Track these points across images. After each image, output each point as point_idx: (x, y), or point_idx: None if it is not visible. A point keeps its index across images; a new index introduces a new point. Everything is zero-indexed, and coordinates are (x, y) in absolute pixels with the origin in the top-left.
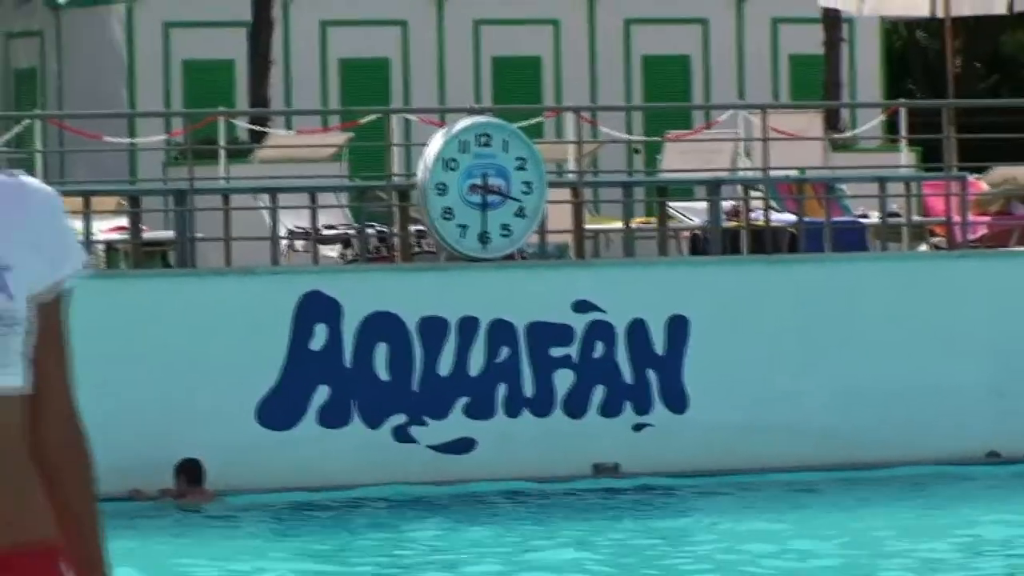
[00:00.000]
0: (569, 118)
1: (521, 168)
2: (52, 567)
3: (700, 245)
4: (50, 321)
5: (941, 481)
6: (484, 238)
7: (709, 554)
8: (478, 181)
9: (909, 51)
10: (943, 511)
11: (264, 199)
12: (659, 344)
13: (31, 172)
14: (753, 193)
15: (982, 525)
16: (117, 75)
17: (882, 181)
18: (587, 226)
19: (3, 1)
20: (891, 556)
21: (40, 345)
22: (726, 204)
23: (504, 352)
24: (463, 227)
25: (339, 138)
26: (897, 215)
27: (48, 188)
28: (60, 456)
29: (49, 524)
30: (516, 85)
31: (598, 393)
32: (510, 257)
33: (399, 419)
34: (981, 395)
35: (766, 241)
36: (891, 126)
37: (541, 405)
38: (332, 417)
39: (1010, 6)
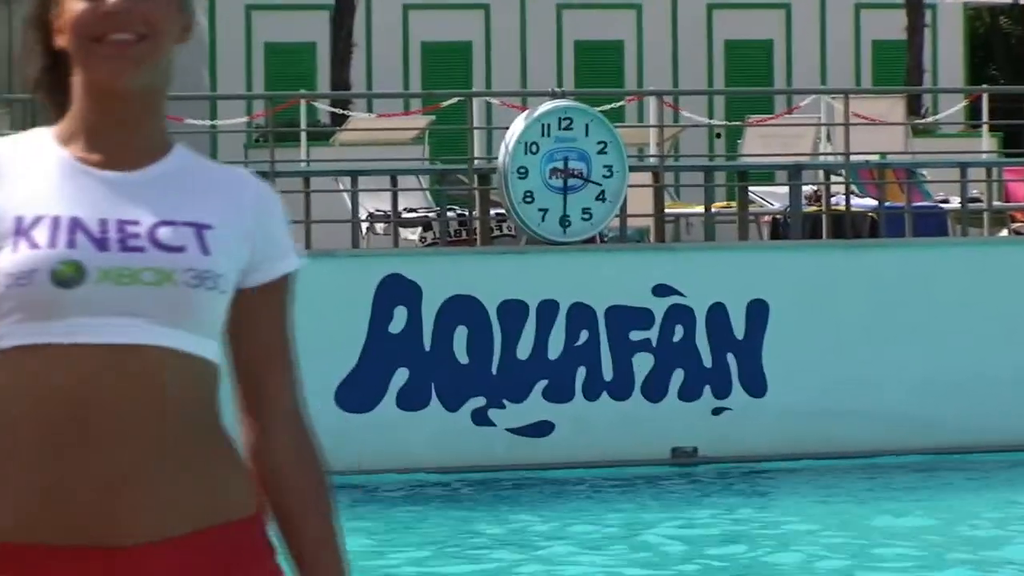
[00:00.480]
0: (651, 102)
1: (602, 152)
2: (255, 539)
3: (780, 230)
4: (266, 314)
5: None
6: (564, 222)
7: (789, 537)
8: (559, 165)
9: (992, 36)
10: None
11: (345, 182)
12: (739, 328)
13: None
14: (834, 178)
15: None
16: (199, 58)
17: (963, 167)
18: (668, 210)
19: None
20: (968, 541)
21: (255, 338)
22: (807, 189)
23: (583, 336)
24: (544, 211)
25: (420, 121)
26: (978, 200)
27: (265, 185)
28: (280, 458)
29: (249, 501)
30: (598, 69)
31: (677, 377)
32: (591, 241)
33: (478, 402)
34: None
35: (846, 226)
36: (973, 112)
37: (620, 389)
38: (411, 400)
39: None
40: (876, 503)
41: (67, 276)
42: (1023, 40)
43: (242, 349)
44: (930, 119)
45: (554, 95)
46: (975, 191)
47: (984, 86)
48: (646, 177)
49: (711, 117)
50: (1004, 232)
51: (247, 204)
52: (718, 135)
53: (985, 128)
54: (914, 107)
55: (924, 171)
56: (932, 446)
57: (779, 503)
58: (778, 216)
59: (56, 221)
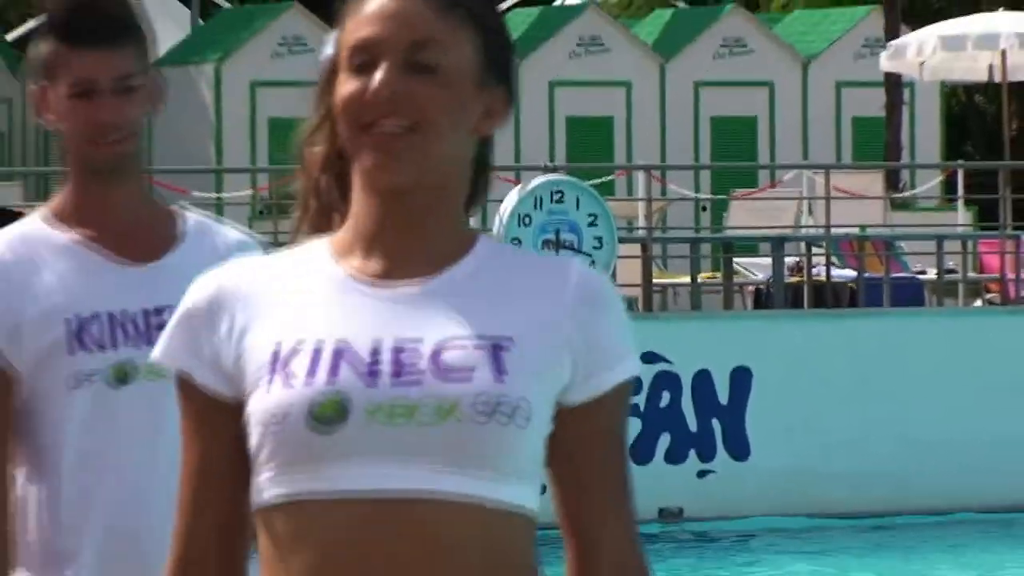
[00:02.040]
0: (639, 176)
1: (593, 224)
2: None
3: (764, 299)
4: (590, 437)
5: (994, 525)
6: None
7: None
8: (551, 236)
9: (967, 114)
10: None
11: None
12: (723, 394)
13: None
14: (815, 250)
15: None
16: (205, 132)
17: (939, 239)
18: (655, 280)
19: None
20: None
21: (577, 470)
22: (789, 260)
23: None
24: None
25: None
26: (953, 272)
27: (592, 274)
28: None
29: None
30: (589, 144)
31: (664, 440)
32: None
33: None
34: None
35: (827, 296)
36: (949, 186)
37: None
38: None
39: None
40: (854, 559)
41: (327, 416)
42: (997, 117)
43: (563, 483)
44: (908, 193)
45: (546, 169)
46: (951, 263)
47: (959, 162)
48: (635, 248)
49: (697, 191)
50: (978, 302)
51: (566, 303)
52: (704, 208)
53: (960, 202)
54: (892, 181)
55: (902, 243)
56: (911, 507)
57: (764, 561)
58: (761, 286)
59: (317, 349)
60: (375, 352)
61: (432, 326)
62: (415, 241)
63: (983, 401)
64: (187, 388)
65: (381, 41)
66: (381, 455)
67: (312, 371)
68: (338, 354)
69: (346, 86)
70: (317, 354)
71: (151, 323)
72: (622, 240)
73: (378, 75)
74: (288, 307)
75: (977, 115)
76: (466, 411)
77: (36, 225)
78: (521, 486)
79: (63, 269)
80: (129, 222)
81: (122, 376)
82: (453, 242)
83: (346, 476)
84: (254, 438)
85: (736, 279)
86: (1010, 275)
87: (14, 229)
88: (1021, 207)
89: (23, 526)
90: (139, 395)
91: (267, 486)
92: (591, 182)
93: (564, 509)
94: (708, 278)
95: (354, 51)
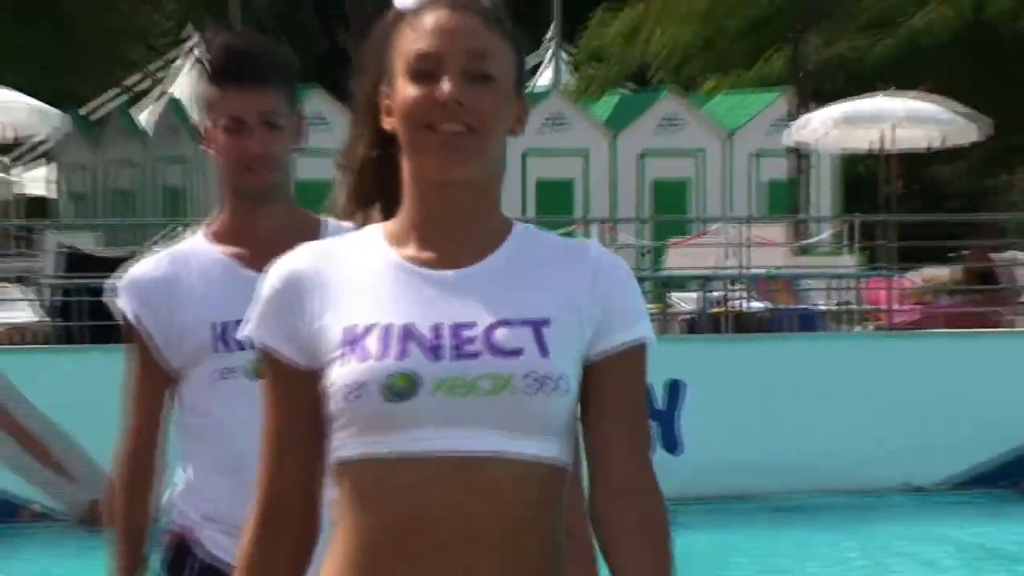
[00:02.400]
0: (595, 228)
1: None
2: None
3: (693, 326)
4: (612, 386)
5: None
6: None
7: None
8: None
9: (860, 178)
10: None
11: None
12: (661, 401)
13: None
14: (736, 286)
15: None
16: None
17: (834, 277)
18: None
19: (157, 133)
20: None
21: (600, 412)
22: (714, 295)
23: None
24: None
25: None
26: (848, 303)
27: (604, 253)
28: (616, 534)
29: None
30: (553, 202)
31: None
32: None
33: None
34: (901, 443)
35: (744, 323)
36: (843, 235)
37: None
38: None
39: (930, 146)
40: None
41: (399, 389)
42: (887, 180)
43: (589, 423)
44: (809, 241)
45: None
46: (844, 296)
47: (852, 215)
48: None
49: (641, 239)
50: (865, 328)
51: (587, 282)
52: (645, 253)
53: (851, 248)
54: (798, 231)
55: (805, 281)
56: (807, 490)
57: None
58: (692, 315)
59: (387, 330)
60: (437, 333)
61: (483, 309)
62: (464, 230)
63: (866, 407)
64: (271, 361)
65: (442, 52)
66: (448, 422)
67: (384, 349)
68: (406, 334)
69: (408, 91)
70: (387, 334)
71: None
72: None
73: (445, 83)
74: (356, 290)
75: (867, 178)
76: (519, 385)
77: (196, 242)
78: (563, 445)
79: (214, 281)
80: (274, 241)
81: (256, 371)
82: (494, 229)
83: (418, 440)
84: (333, 404)
85: (671, 310)
86: (891, 307)
87: (179, 246)
88: (901, 252)
89: (185, 480)
90: None
91: (347, 445)
92: (556, 232)
93: (588, 437)
94: (649, 309)
95: (416, 60)
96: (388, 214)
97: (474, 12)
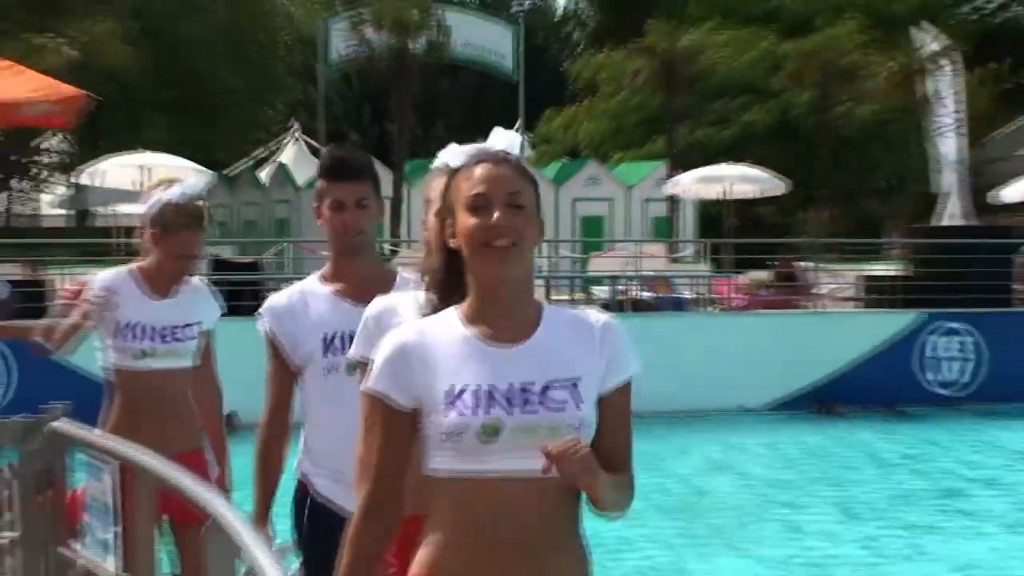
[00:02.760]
0: (545, 246)
1: None
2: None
3: (607, 309)
4: (613, 412)
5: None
6: None
7: None
8: None
9: (712, 215)
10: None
11: None
12: None
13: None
14: (633, 283)
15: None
16: None
17: (695, 277)
18: (552, 299)
19: (271, 185)
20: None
21: (604, 428)
22: (619, 288)
23: None
24: None
25: None
26: (703, 294)
27: (604, 317)
28: None
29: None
30: None
31: None
32: None
33: None
34: (738, 380)
35: (639, 307)
36: (701, 251)
37: None
38: None
39: (755, 196)
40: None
41: (489, 434)
42: (728, 217)
43: (598, 435)
44: (680, 254)
45: None
46: (701, 290)
47: (706, 239)
48: (541, 282)
49: (574, 252)
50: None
51: (596, 344)
52: (575, 261)
53: (706, 259)
54: (672, 248)
55: (676, 280)
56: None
57: None
58: (606, 302)
59: (477, 391)
60: (508, 392)
61: (537, 373)
62: (514, 313)
63: (715, 357)
64: (383, 403)
65: (491, 193)
66: (517, 455)
67: (476, 406)
68: (489, 394)
69: (469, 221)
70: (477, 393)
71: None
72: (536, 278)
73: (496, 215)
74: (447, 359)
75: (716, 216)
76: (564, 432)
77: (312, 281)
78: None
79: (323, 307)
80: (363, 282)
81: (352, 369)
82: (532, 311)
83: (501, 465)
84: (434, 440)
85: (592, 299)
86: (730, 296)
87: (300, 284)
88: (736, 261)
89: (304, 442)
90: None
91: (446, 465)
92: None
93: (597, 444)
94: (575, 296)
95: (473, 199)
96: (457, 299)
97: (508, 164)
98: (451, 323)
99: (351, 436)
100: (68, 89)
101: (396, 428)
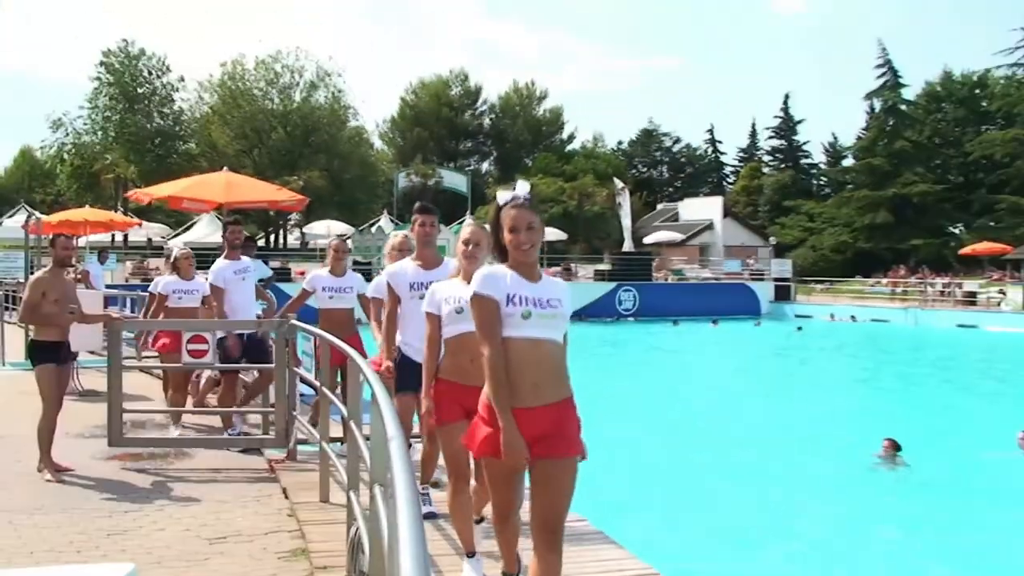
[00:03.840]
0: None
1: None
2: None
3: None
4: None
5: None
6: None
7: None
8: None
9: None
10: None
11: None
12: None
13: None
14: None
15: None
16: None
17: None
18: None
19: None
20: None
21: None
22: None
23: None
24: None
25: None
26: None
27: (562, 281)
28: None
29: (570, 395)
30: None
31: None
32: None
33: None
34: None
35: None
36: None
37: None
38: None
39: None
40: None
41: (527, 315)
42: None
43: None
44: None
45: None
46: None
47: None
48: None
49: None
50: None
51: (564, 289)
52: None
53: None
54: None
55: None
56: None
57: None
58: None
59: (523, 298)
60: (537, 300)
61: (547, 294)
62: (533, 272)
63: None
64: (490, 299)
65: (520, 222)
66: (542, 328)
67: (522, 302)
68: (527, 299)
69: (511, 236)
70: (524, 298)
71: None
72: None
73: (523, 234)
74: (512, 287)
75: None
76: (561, 315)
77: (407, 262)
78: (564, 338)
79: (410, 271)
80: (429, 262)
81: (420, 298)
82: (538, 271)
83: (534, 332)
84: (505, 318)
85: None
86: None
87: (401, 262)
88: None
89: (400, 333)
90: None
91: (506, 333)
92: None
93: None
94: None
95: (511, 225)
96: (502, 259)
97: (527, 206)
98: (509, 272)
99: (419, 327)
100: (299, 196)
101: (498, 314)
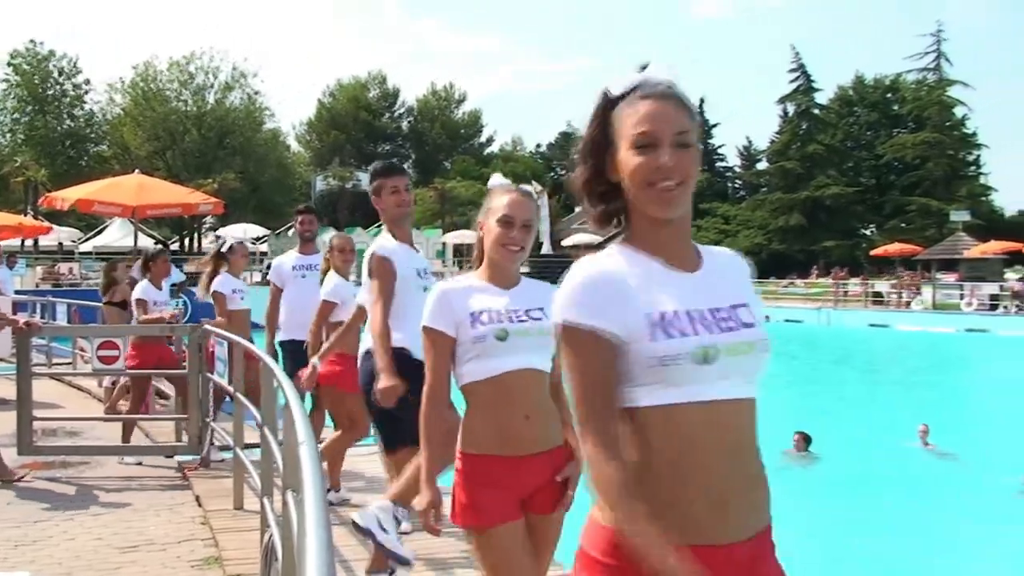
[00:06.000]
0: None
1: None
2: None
3: None
4: None
5: None
6: None
7: None
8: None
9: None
10: None
11: None
12: None
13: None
14: None
15: None
16: None
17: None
18: None
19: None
20: None
21: None
22: None
23: None
24: None
25: None
26: None
27: (738, 254)
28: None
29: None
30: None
31: None
32: None
33: None
34: None
35: None
36: None
37: None
38: None
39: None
40: None
41: (706, 357)
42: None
43: None
44: None
45: None
46: None
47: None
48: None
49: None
50: None
51: (746, 273)
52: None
53: None
54: None
55: None
56: None
57: None
58: None
59: (680, 315)
60: (703, 314)
61: (720, 297)
62: (684, 248)
63: None
64: (588, 334)
65: (659, 132)
66: (732, 376)
67: (685, 329)
68: (691, 318)
69: (634, 160)
70: (682, 316)
71: None
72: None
73: (664, 154)
74: (646, 288)
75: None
76: (759, 347)
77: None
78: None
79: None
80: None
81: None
82: (691, 244)
83: (717, 389)
84: (639, 367)
85: None
86: None
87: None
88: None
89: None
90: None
91: (646, 396)
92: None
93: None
94: None
95: (638, 138)
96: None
97: (675, 100)
98: (637, 257)
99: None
100: (214, 199)
101: (609, 357)
